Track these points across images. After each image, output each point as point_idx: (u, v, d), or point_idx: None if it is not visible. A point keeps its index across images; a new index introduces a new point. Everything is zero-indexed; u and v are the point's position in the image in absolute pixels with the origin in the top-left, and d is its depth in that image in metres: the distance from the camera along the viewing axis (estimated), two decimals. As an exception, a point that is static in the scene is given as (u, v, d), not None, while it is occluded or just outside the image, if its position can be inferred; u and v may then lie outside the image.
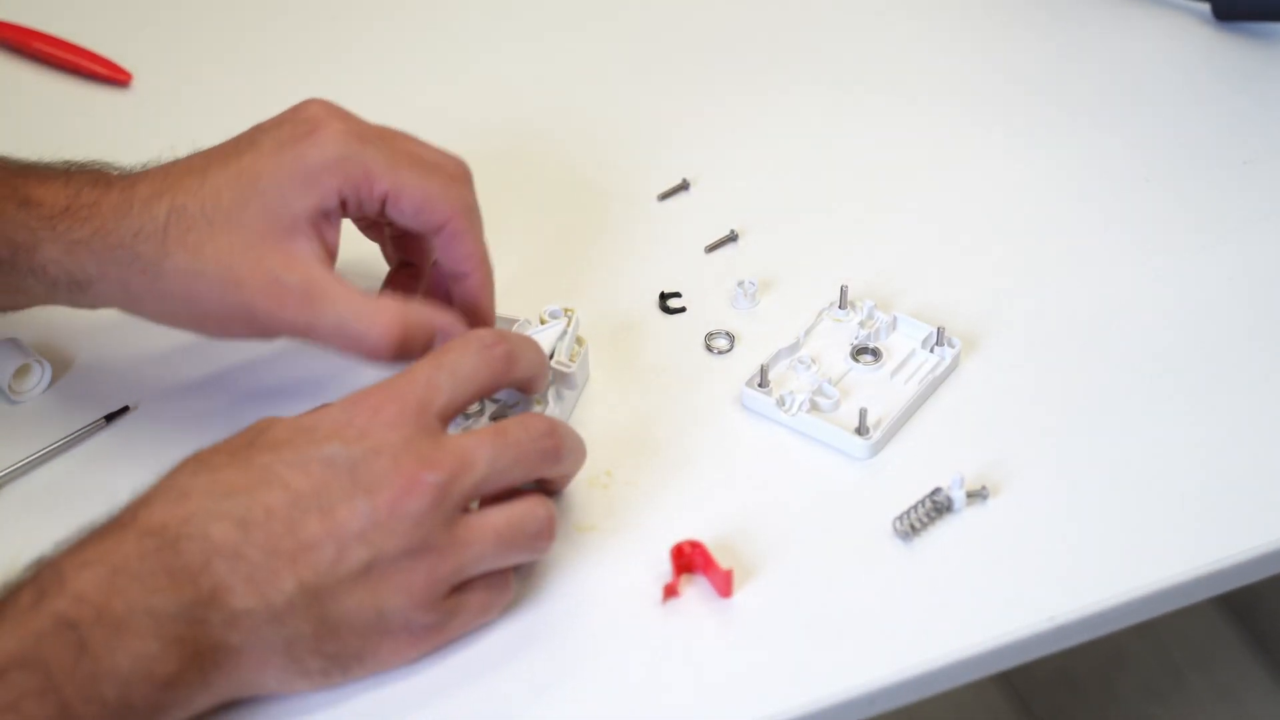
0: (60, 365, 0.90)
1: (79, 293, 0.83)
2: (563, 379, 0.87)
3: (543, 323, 0.88)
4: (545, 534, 0.77)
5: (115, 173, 0.84)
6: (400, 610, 0.74)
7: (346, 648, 0.74)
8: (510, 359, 0.78)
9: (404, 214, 0.82)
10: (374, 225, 0.89)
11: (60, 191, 0.82)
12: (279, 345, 0.91)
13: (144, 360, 0.91)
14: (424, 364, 0.77)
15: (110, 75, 1.09)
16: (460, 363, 0.77)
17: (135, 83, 1.09)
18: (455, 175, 0.84)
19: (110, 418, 0.88)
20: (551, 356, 0.86)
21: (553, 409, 0.84)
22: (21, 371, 0.88)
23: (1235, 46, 1.11)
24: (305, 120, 0.82)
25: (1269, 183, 1.02)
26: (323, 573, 0.73)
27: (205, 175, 0.81)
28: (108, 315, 0.92)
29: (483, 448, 0.75)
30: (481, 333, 0.79)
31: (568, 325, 0.87)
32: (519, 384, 0.80)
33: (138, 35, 1.12)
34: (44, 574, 0.71)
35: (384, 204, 0.82)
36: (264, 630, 0.72)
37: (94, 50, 1.09)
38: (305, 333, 0.81)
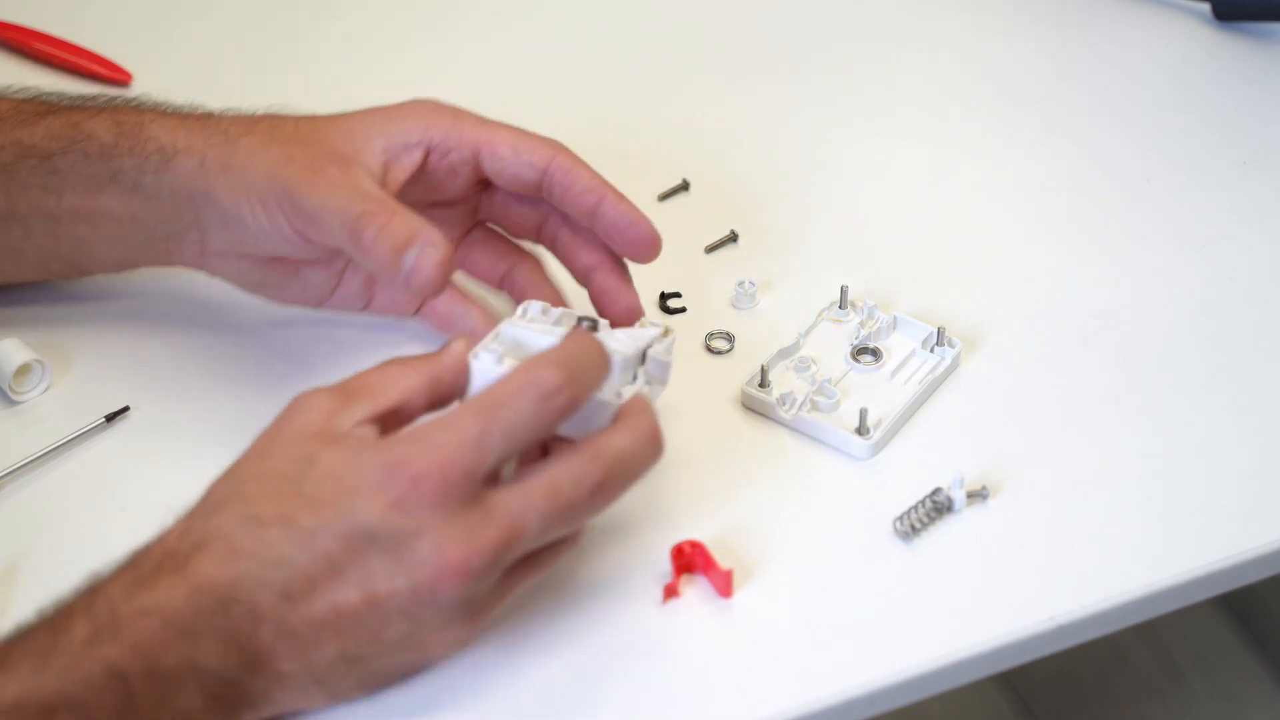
0: (61, 365, 0.90)
1: (163, 169, 0.84)
2: (657, 367, 0.82)
3: (641, 325, 0.84)
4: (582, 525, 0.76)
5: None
6: (444, 650, 0.75)
7: (389, 680, 0.76)
8: (572, 404, 0.73)
9: (503, 159, 0.83)
10: (449, 205, 0.88)
11: (178, 106, 0.88)
12: (280, 345, 0.91)
13: (144, 360, 0.91)
14: (474, 416, 0.72)
15: (110, 75, 1.09)
16: (517, 420, 0.72)
17: (135, 83, 1.09)
18: (549, 138, 0.85)
19: (110, 418, 0.88)
20: (646, 352, 0.81)
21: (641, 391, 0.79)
22: (22, 371, 0.88)
23: (1235, 47, 1.11)
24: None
25: (1269, 183, 1.02)
26: (364, 643, 0.73)
27: (282, 122, 0.85)
28: (108, 316, 0.92)
29: (532, 513, 0.72)
30: (543, 377, 0.72)
31: (663, 335, 0.82)
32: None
33: (138, 35, 1.12)
34: (99, 607, 0.70)
35: (478, 159, 0.83)
36: (307, 685, 0.73)
37: (94, 50, 1.09)
38: (318, 214, 0.80)
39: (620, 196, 0.84)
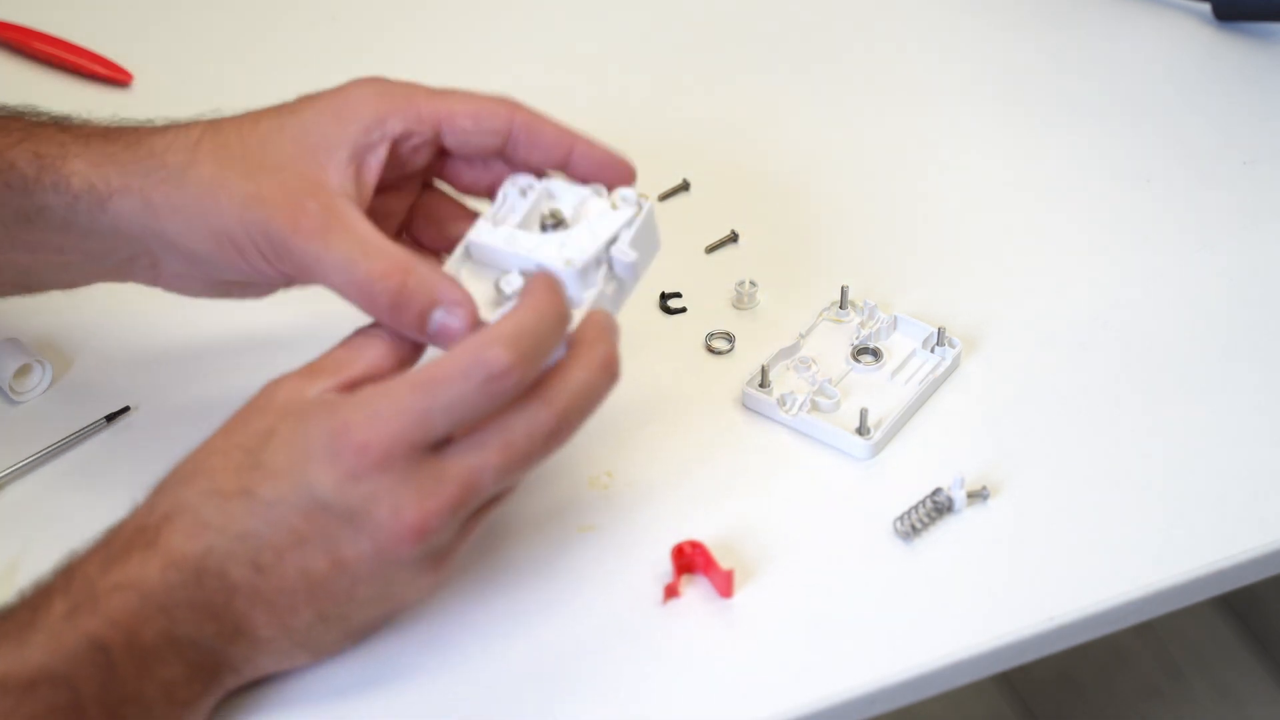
0: (61, 365, 0.90)
1: (98, 210, 0.79)
2: (623, 269, 0.79)
3: (614, 208, 0.80)
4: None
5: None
6: (418, 597, 0.76)
7: (370, 631, 0.77)
8: (520, 384, 0.72)
9: (465, 132, 0.79)
10: (410, 180, 0.84)
11: (104, 124, 0.82)
12: (280, 344, 0.91)
13: (144, 360, 0.91)
14: (416, 393, 0.71)
15: (110, 75, 1.09)
16: (460, 401, 0.71)
17: (135, 83, 1.09)
18: (501, 96, 0.81)
19: (110, 418, 0.88)
20: (612, 243, 0.78)
21: (605, 299, 0.78)
22: (22, 371, 0.88)
23: (1236, 47, 1.11)
24: (337, 89, 0.80)
25: (1269, 183, 1.02)
26: (339, 603, 0.73)
27: (241, 119, 0.80)
28: (108, 316, 0.92)
29: (488, 469, 0.72)
30: (489, 357, 0.71)
31: (636, 214, 0.79)
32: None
33: (138, 35, 1.12)
34: (76, 584, 0.71)
35: (440, 135, 0.79)
36: (287, 648, 0.74)
37: (94, 50, 1.09)
38: (314, 265, 0.76)
39: (588, 141, 0.81)
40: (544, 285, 0.75)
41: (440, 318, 0.75)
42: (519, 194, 0.81)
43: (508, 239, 0.79)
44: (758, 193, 1.01)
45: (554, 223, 0.80)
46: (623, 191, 0.80)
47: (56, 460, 0.86)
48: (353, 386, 0.74)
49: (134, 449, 0.87)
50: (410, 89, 0.80)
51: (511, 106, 0.81)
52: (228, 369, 0.90)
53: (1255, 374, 0.90)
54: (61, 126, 0.82)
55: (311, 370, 0.75)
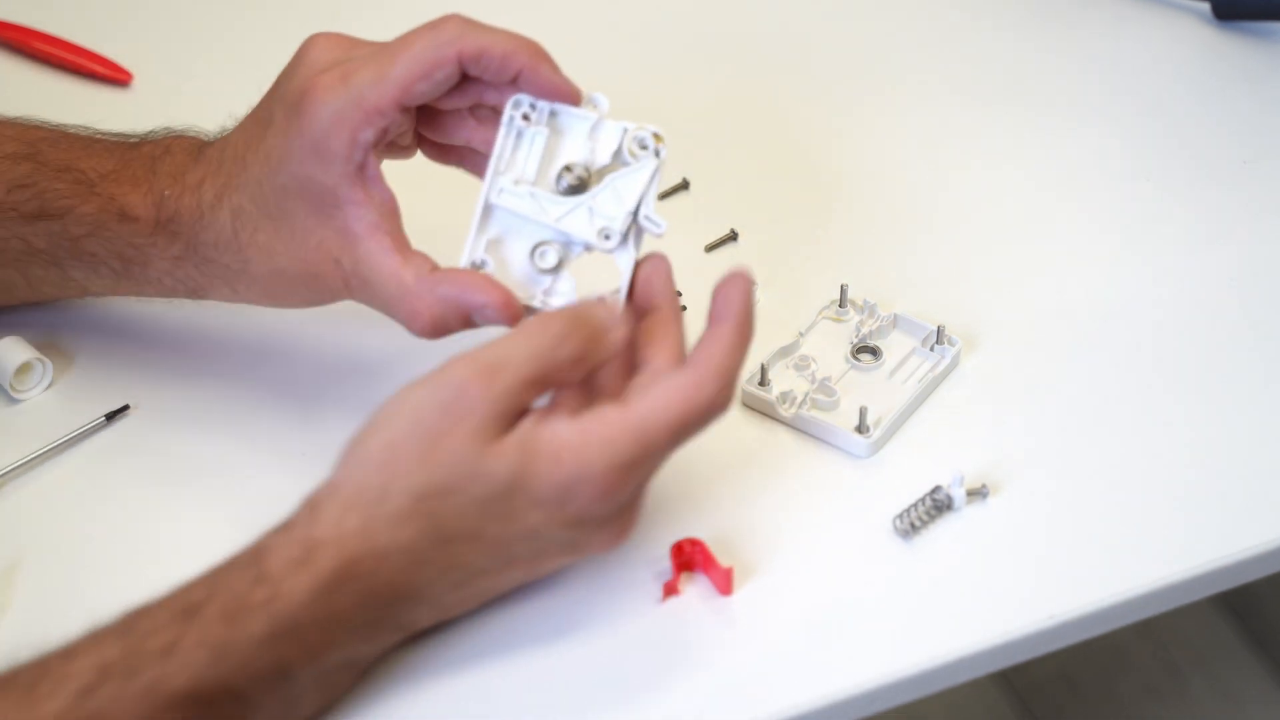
0: (61, 364, 0.90)
1: (200, 296, 0.86)
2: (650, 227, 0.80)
3: (633, 155, 0.80)
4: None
5: (181, 153, 0.85)
6: (604, 548, 0.77)
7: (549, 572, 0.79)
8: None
9: (422, 93, 0.79)
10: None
11: (145, 199, 0.84)
12: (280, 343, 0.91)
13: (144, 359, 0.91)
14: (627, 435, 0.73)
15: (110, 75, 1.09)
16: (669, 447, 0.75)
17: (135, 82, 1.09)
18: (434, 25, 0.80)
19: (111, 416, 0.88)
20: (637, 210, 0.79)
21: (626, 265, 0.79)
22: (23, 370, 0.88)
23: (1235, 46, 1.11)
24: (297, 88, 0.80)
25: (1269, 183, 1.02)
26: (522, 580, 0.78)
27: (245, 163, 0.82)
28: (108, 315, 0.92)
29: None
30: (715, 403, 0.74)
31: (657, 167, 0.80)
32: None
33: (138, 35, 1.12)
34: (279, 609, 0.71)
35: (403, 108, 0.79)
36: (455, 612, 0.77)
37: (94, 50, 1.09)
38: (369, 302, 0.82)
39: (533, 67, 0.81)
40: (733, 329, 0.76)
41: (479, 319, 0.79)
42: (524, 123, 0.80)
43: (531, 204, 0.80)
44: (758, 192, 1.01)
45: (574, 182, 0.80)
46: (636, 134, 0.80)
47: (56, 459, 0.86)
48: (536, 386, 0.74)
49: (134, 448, 0.87)
50: (360, 97, 0.79)
51: (455, 46, 0.79)
52: (228, 369, 0.90)
53: (1255, 372, 0.90)
54: (122, 218, 0.84)
55: (490, 372, 0.74)
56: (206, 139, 0.86)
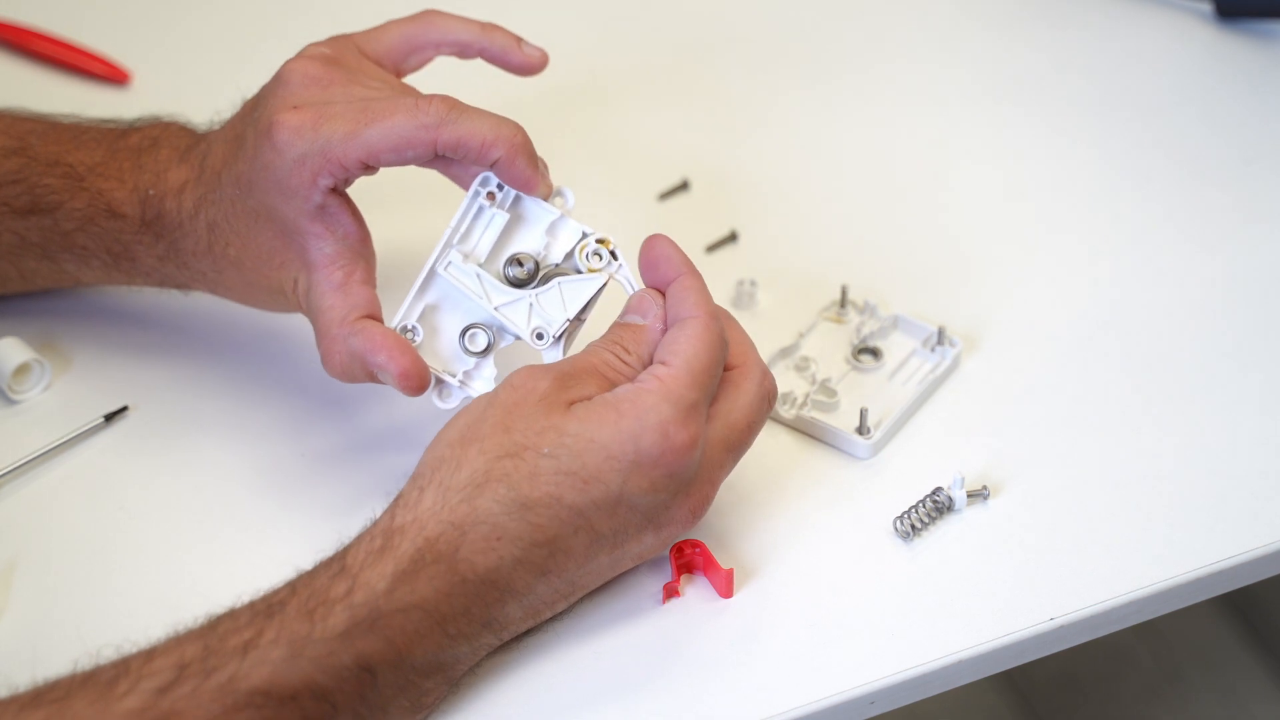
0: (60, 365, 0.90)
1: (186, 290, 0.89)
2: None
3: (585, 263, 0.82)
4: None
5: (167, 148, 0.86)
6: (684, 525, 0.79)
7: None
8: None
9: (389, 160, 0.80)
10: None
11: (130, 195, 0.86)
12: (280, 344, 0.91)
13: (144, 360, 0.91)
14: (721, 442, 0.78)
15: (110, 75, 1.09)
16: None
17: (135, 82, 1.09)
18: (419, 103, 0.80)
19: (110, 417, 0.87)
20: (586, 308, 0.81)
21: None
22: (22, 371, 0.88)
23: (1237, 46, 1.11)
24: (266, 118, 0.81)
25: (1271, 181, 1.02)
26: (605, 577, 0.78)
27: (220, 180, 0.84)
28: (107, 316, 0.92)
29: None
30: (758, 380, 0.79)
31: (605, 283, 0.82)
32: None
33: (137, 35, 1.12)
34: (358, 599, 0.72)
35: (367, 166, 0.80)
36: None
37: (94, 50, 1.09)
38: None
39: (510, 159, 0.81)
40: (691, 274, 0.80)
41: (382, 379, 0.80)
42: (488, 201, 0.81)
43: (475, 285, 0.81)
44: (758, 193, 1.01)
45: (522, 276, 0.81)
46: (593, 245, 0.82)
47: (55, 460, 0.86)
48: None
49: (133, 449, 0.87)
50: (325, 146, 0.80)
51: (433, 133, 0.80)
52: (226, 370, 0.90)
53: (1255, 374, 0.90)
54: (111, 214, 0.86)
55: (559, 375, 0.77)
56: (196, 131, 0.87)
